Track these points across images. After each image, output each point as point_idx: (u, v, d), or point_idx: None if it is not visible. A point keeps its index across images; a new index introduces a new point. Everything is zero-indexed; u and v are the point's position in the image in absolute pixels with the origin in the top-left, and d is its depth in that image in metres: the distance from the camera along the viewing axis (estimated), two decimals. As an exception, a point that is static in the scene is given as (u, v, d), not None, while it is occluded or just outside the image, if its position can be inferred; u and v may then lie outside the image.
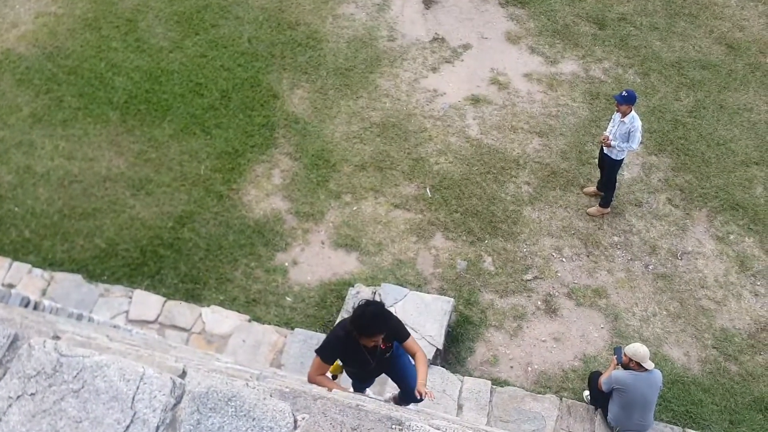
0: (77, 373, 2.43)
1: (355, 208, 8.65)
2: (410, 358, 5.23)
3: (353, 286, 7.76)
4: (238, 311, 7.81)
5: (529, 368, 7.65)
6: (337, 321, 7.11)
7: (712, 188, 9.09)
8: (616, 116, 8.06)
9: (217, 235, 8.41)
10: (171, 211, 8.59)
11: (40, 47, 10.15)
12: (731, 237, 8.69)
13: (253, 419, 2.47)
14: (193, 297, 7.97)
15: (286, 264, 8.22)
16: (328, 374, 5.32)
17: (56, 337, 3.06)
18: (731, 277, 8.36)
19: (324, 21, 10.74)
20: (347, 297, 7.65)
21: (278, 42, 10.40)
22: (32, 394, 2.42)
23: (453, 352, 7.66)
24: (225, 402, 2.48)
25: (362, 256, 8.26)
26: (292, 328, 7.68)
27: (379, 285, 7.82)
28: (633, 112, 7.96)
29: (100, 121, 9.37)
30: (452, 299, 7.77)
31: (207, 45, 10.29)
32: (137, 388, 2.46)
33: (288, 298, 7.99)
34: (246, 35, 10.44)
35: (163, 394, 2.45)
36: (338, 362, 5.36)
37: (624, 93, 7.89)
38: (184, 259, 8.23)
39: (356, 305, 4.86)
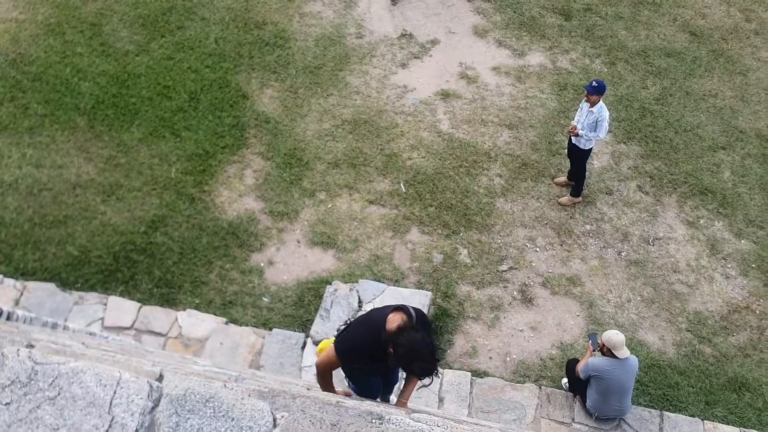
0: (53, 381, 2.40)
1: (329, 206, 8.64)
2: None
3: (330, 284, 7.76)
4: (215, 314, 7.76)
5: (508, 358, 7.71)
6: (324, 312, 6.95)
7: (681, 174, 9.23)
8: (584, 106, 8.15)
9: (190, 238, 8.34)
10: (143, 215, 8.51)
11: (2, 54, 9.97)
12: (701, 221, 8.83)
13: (232, 419, 2.46)
14: (169, 301, 7.90)
15: (262, 264, 8.19)
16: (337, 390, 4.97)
17: (30, 346, 3.01)
18: (702, 261, 8.50)
19: (291, 20, 10.70)
20: (325, 295, 7.65)
21: (245, 42, 10.34)
22: (7, 404, 2.38)
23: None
24: (203, 403, 2.47)
25: (339, 253, 8.26)
26: (270, 329, 7.66)
27: (357, 282, 7.82)
28: (601, 102, 8.05)
29: (67, 128, 9.25)
30: (430, 293, 7.81)
31: (173, 47, 10.20)
32: (114, 392, 2.44)
33: (265, 299, 7.96)
34: (213, 36, 10.37)
35: (141, 398, 2.43)
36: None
37: (594, 83, 7.98)
38: (158, 264, 8.15)
39: (400, 324, 4.26)
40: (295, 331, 7.66)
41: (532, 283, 8.23)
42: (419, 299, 7.58)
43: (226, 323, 7.66)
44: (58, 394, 2.44)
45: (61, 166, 8.89)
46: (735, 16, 11.18)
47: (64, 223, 8.42)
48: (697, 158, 9.40)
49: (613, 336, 6.49)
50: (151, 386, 2.46)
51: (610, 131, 9.41)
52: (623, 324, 7.89)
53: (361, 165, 9.01)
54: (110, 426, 2.43)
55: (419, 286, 8.04)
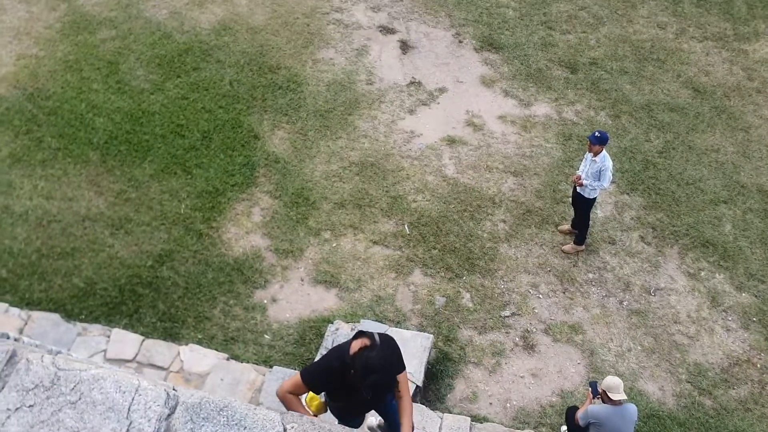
0: (74, 386, 2.48)
1: (334, 245, 8.74)
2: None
3: (332, 323, 7.80)
4: (217, 349, 7.78)
5: (508, 404, 7.69)
6: (324, 351, 7.02)
7: (682, 226, 9.33)
8: (588, 156, 8.30)
9: (196, 273, 8.42)
10: (150, 249, 8.61)
11: (20, 89, 10.24)
12: (702, 273, 8.89)
13: (245, 428, 2.53)
14: (172, 335, 7.94)
15: (265, 301, 8.25)
16: (309, 411, 5.16)
17: (53, 353, 3.10)
18: (703, 313, 8.53)
19: (304, 65, 10.98)
20: (326, 334, 7.68)
21: (259, 85, 10.60)
22: (30, 406, 2.46)
23: (432, 389, 7.69)
24: (217, 412, 2.54)
25: (341, 293, 8.32)
26: (271, 366, 7.67)
27: (359, 321, 7.86)
28: (604, 152, 8.20)
29: (80, 162, 9.43)
30: (431, 336, 7.82)
31: (188, 87, 10.45)
32: (132, 399, 2.52)
33: (266, 336, 7.99)
34: (227, 78, 10.63)
35: (158, 405, 2.50)
36: (321, 400, 5.16)
37: (597, 134, 8.14)
38: (163, 298, 8.22)
39: (361, 346, 4.42)
40: (295, 369, 7.67)
41: (534, 329, 8.26)
42: (421, 342, 7.60)
43: (228, 359, 7.68)
44: (79, 399, 2.52)
45: (72, 199, 9.03)
46: (737, 75, 11.43)
47: (71, 254, 8.52)
48: (698, 211, 9.50)
49: (609, 379, 6.50)
50: (168, 394, 2.53)
51: (613, 181, 9.56)
52: (623, 373, 7.88)
53: (367, 206, 9.14)
54: (128, 430, 2.50)
55: (421, 328, 8.07)
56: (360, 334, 4.67)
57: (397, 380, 4.90)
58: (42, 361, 2.57)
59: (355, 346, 4.58)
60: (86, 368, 2.60)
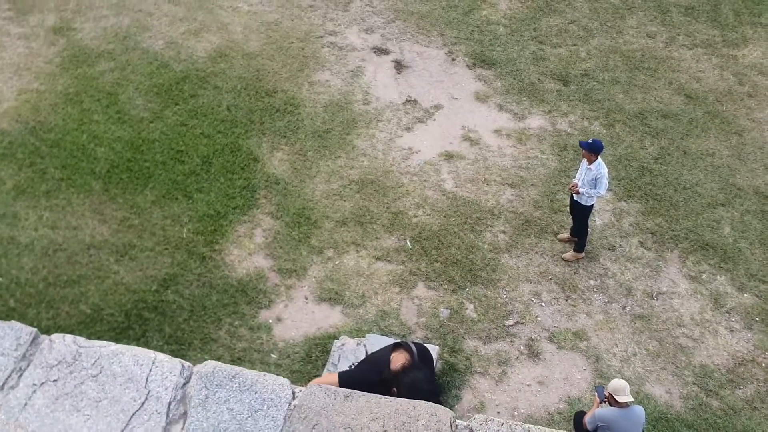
0: (95, 361, 2.61)
1: (337, 262, 8.82)
2: None
3: (338, 339, 7.86)
4: (225, 370, 7.83)
5: (516, 413, 7.71)
6: (332, 366, 7.01)
7: (682, 230, 9.41)
8: (584, 163, 8.41)
9: (200, 295, 8.50)
10: (155, 274, 8.70)
11: (22, 122, 10.40)
12: (704, 276, 8.95)
13: (255, 392, 2.64)
14: (178, 358, 7.98)
15: (270, 321, 8.31)
16: None
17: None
18: (706, 315, 8.58)
19: (300, 88, 11.15)
20: (332, 350, 7.73)
21: (257, 109, 10.76)
22: (55, 381, 2.59)
23: (440, 401, 7.72)
24: (229, 379, 2.66)
25: (346, 309, 8.39)
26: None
27: (364, 336, 7.92)
28: (599, 160, 8.32)
29: (83, 191, 9.55)
30: (437, 347, 7.88)
31: (187, 114, 10.61)
32: (150, 371, 2.64)
33: (273, 355, 8.05)
34: (225, 103, 10.80)
35: (174, 375, 2.63)
36: None
37: (590, 141, 8.26)
38: (169, 321, 8.29)
39: (403, 363, 4.37)
40: (303, 386, 7.71)
41: (538, 337, 8.30)
42: (426, 353, 7.65)
43: (235, 379, 7.73)
44: (100, 372, 2.65)
45: (76, 228, 9.14)
46: (729, 80, 11.58)
47: (77, 282, 8.61)
48: (697, 215, 9.59)
49: (615, 382, 6.54)
50: (182, 365, 2.65)
51: (610, 189, 9.66)
52: (630, 378, 7.92)
53: (368, 223, 9.24)
54: (146, 398, 2.63)
55: (426, 341, 8.11)
56: (397, 345, 4.56)
57: None
58: (64, 340, 2.71)
59: (396, 360, 4.48)
60: (106, 345, 2.73)
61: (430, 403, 2.92)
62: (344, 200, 9.52)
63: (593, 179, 8.31)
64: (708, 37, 12.33)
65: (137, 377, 2.69)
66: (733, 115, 11.01)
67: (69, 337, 2.79)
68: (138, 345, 7.94)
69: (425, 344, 7.86)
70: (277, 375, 7.72)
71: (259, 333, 8.22)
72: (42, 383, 2.68)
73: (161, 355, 2.77)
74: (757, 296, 8.76)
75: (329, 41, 11.99)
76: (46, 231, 9.08)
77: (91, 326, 8.19)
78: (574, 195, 8.61)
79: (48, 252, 8.87)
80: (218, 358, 7.95)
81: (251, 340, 8.17)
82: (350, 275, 8.70)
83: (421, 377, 4.32)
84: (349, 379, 4.64)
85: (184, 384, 2.72)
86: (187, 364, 2.83)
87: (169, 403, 2.62)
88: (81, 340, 2.84)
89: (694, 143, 10.54)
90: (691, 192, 9.86)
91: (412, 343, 4.66)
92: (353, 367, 4.88)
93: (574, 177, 8.79)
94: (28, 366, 2.77)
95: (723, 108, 11.11)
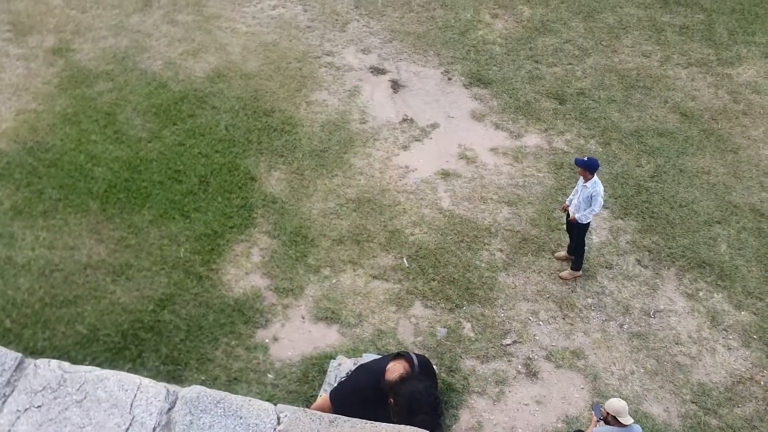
0: (80, 386, 2.59)
1: (334, 281, 8.82)
2: None
3: (335, 359, 7.83)
4: (220, 390, 7.79)
5: (514, 432, 7.67)
6: (328, 386, 6.95)
7: (678, 248, 9.41)
8: (580, 181, 8.44)
9: (197, 315, 8.48)
10: (151, 294, 8.68)
11: (20, 143, 10.43)
12: (701, 294, 8.94)
13: (240, 417, 2.63)
14: (175, 378, 7.96)
15: (267, 341, 8.29)
16: None
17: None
18: (704, 333, 8.56)
19: (298, 107, 11.20)
20: (329, 369, 7.70)
21: (254, 128, 10.80)
22: (39, 407, 2.58)
23: (440, 413, 7.67)
24: (214, 404, 2.65)
25: (343, 328, 8.37)
26: (275, 405, 7.66)
27: (361, 356, 7.89)
28: (595, 178, 8.35)
29: (80, 211, 9.56)
30: (434, 367, 7.84)
31: (185, 134, 10.65)
32: (135, 396, 2.63)
33: (269, 375, 8.01)
34: (223, 123, 10.84)
35: (159, 400, 2.62)
36: None
37: (585, 158, 8.30)
38: (165, 341, 8.26)
39: (401, 373, 4.24)
40: (299, 407, 7.66)
41: (536, 356, 8.28)
42: (423, 373, 7.61)
43: (232, 399, 7.69)
44: (85, 398, 2.63)
45: (73, 248, 9.14)
46: (723, 98, 11.65)
47: (74, 302, 8.58)
48: (693, 232, 9.60)
49: (615, 403, 6.52)
50: (168, 390, 2.64)
51: (606, 207, 9.68)
52: (627, 396, 7.88)
53: (365, 241, 9.25)
54: (131, 424, 2.62)
55: (423, 360, 8.09)
56: (397, 355, 4.42)
57: None
58: (49, 365, 2.70)
59: (393, 370, 4.35)
60: (91, 370, 2.71)
61: (415, 428, 2.87)
62: (341, 219, 9.53)
63: (589, 197, 8.34)
64: (702, 56, 12.42)
65: (122, 402, 2.68)
66: (729, 133, 11.06)
67: (54, 362, 2.79)
68: (134, 365, 7.97)
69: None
70: (274, 395, 7.76)
71: (256, 353, 8.18)
72: (26, 409, 2.67)
73: (146, 380, 2.77)
74: (755, 314, 8.74)
75: (327, 61, 12.06)
76: (43, 251, 9.08)
77: (87, 347, 8.16)
78: (570, 214, 8.63)
79: (45, 272, 8.86)
80: (214, 379, 7.93)
81: (248, 360, 8.13)
82: (347, 294, 8.69)
83: (420, 388, 4.21)
84: (340, 393, 4.54)
85: (169, 409, 2.72)
86: (172, 389, 2.82)
87: (154, 429, 2.61)
88: (66, 365, 2.84)
89: (689, 161, 10.58)
90: (687, 210, 9.88)
91: (414, 354, 4.52)
92: (345, 377, 4.72)
93: (569, 195, 8.84)
94: (12, 392, 2.76)
95: (718, 126, 11.16)
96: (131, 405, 2.67)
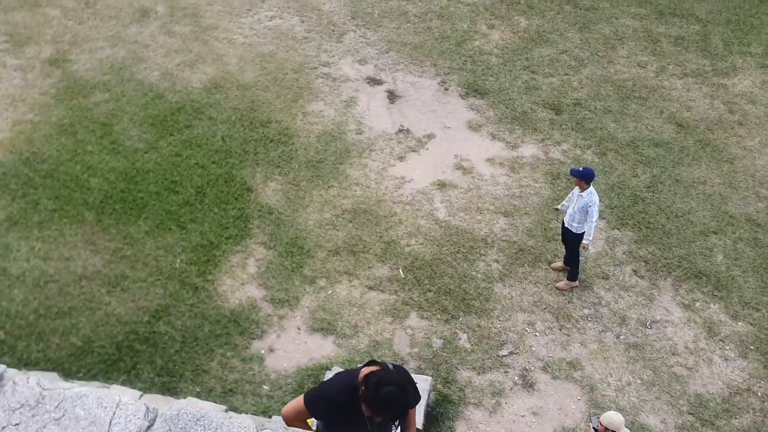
0: (59, 404, 2.56)
1: (329, 292, 8.79)
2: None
3: (330, 370, 7.80)
4: (215, 402, 7.74)
5: (510, 444, 7.63)
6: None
7: (675, 258, 9.40)
8: (575, 191, 8.44)
9: (192, 326, 8.45)
10: (146, 305, 8.65)
11: (16, 153, 10.42)
12: (697, 304, 8.93)
13: None
14: (170, 390, 7.92)
15: (263, 352, 8.25)
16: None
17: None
18: (701, 343, 8.54)
19: (294, 118, 11.21)
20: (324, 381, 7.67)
21: (251, 139, 10.80)
22: (16, 425, 2.54)
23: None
24: (194, 422, 2.62)
25: (339, 339, 8.34)
26: (270, 417, 7.63)
27: (356, 367, 7.85)
28: (591, 188, 8.35)
29: (75, 222, 9.54)
30: (430, 378, 7.82)
31: (181, 145, 10.65)
32: (114, 413, 2.60)
33: (265, 387, 7.98)
34: (219, 134, 10.84)
35: (138, 418, 2.59)
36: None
37: (581, 168, 8.31)
38: (160, 353, 8.22)
39: (372, 379, 4.37)
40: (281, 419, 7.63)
41: (532, 367, 8.25)
42: (419, 385, 7.54)
43: (226, 411, 7.64)
44: (63, 415, 2.61)
45: (68, 259, 9.11)
46: (719, 109, 11.68)
47: (68, 314, 8.55)
48: (689, 243, 9.59)
49: (614, 417, 6.49)
50: (147, 408, 2.62)
51: (603, 217, 9.68)
52: (624, 407, 7.85)
53: (361, 252, 9.23)
54: None
55: (419, 371, 8.06)
56: (372, 362, 4.51)
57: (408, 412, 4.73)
58: (27, 382, 2.67)
59: (364, 372, 4.43)
60: (70, 387, 2.68)
61: None
62: (337, 230, 9.52)
63: (584, 207, 8.34)
64: (698, 66, 12.46)
65: (101, 420, 2.65)
66: (724, 143, 11.08)
67: (33, 379, 2.76)
68: (129, 377, 7.93)
69: (419, 375, 7.81)
70: (269, 406, 7.72)
71: (252, 364, 8.15)
72: (3, 428, 2.64)
73: (126, 398, 2.74)
74: (751, 324, 8.73)
75: (323, 72, 12.08)
76: (38, 262, 9.05)
77: (82, 358, 8.12)
78: (565, 222, 8.63)
79: (39, 283, 8.83)
80: (210, 390, 7.89)
81: (243, 371, 8.10)
82: (343, 305, 8.66)
83: (386, 376, 4.26)
84: (314, 395, 4.56)
85: (149, 427, 2.69)
86: (152, 406, 2.80)
87: (133, 448, 2.58)
88: (45, 382, 2.80)
89: (685, 171, 10.59)
90: (683, 220, 9.88)
91: (392, 364, 4.61)
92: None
93: (561, 203, 8.89)
94: (-11, 410, 2.72)
95: (714, 136, 11.18)
96: (110, 423, 2.64)
